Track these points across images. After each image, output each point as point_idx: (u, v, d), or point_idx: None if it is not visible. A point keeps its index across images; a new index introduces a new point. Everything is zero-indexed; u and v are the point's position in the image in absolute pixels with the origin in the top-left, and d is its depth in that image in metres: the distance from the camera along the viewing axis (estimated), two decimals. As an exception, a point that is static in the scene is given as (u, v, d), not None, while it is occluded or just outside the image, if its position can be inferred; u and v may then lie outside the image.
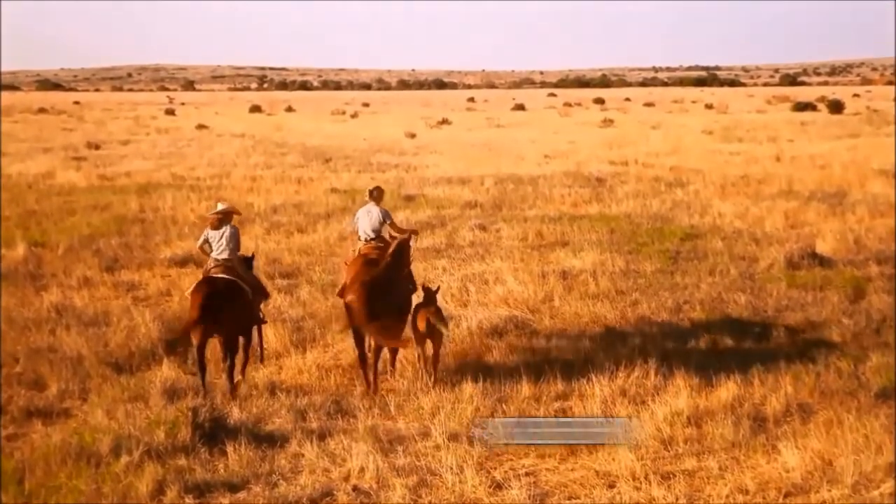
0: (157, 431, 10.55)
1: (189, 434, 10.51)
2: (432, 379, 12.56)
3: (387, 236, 13.77)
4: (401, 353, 13.44)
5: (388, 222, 13.84)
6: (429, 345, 12.82)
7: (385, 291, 12.57)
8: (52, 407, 11.95)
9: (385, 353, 13.16)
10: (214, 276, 12.64)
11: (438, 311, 12.94)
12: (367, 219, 13.79)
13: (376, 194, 14.05)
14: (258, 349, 13.49)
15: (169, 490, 9.43)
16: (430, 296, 13.03)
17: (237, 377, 12.67)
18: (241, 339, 12.76)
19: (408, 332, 12.90)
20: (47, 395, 12.38)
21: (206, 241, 12.98)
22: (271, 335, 14.44)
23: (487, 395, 11.97)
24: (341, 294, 13.22)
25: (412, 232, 14.26)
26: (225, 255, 12.84)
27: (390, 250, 13.09)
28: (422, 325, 12.65)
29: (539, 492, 9.58)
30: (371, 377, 12.57)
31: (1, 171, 37.80)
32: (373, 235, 13.71)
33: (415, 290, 13.61)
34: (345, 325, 13.02)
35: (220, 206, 13.25)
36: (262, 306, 13.58)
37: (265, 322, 13.67)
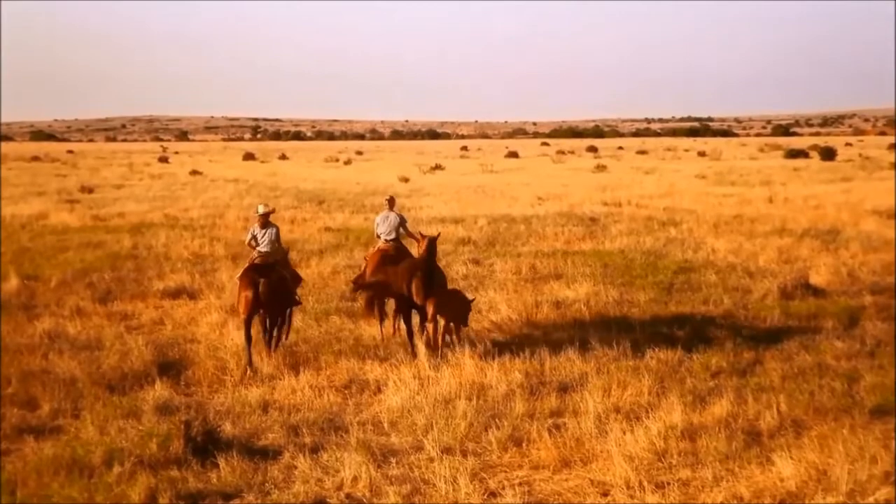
0: (149, 444, 10.49)
1: (181, 447, 10.46)
2: (439, 351, 14.62)
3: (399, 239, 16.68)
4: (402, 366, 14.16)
5: (403, 225, 16.75)
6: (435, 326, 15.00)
7: (429, 277, 15.06)
8: (45, 425, 11.90)
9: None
10: (260, 263, 15.03)
11: (453, 300, 15.29)
12: (385, 223, 16.71)
13: (392, 202, 17.20)
14: (287, 327, 15.57)
15: (161, 498, 9.38)
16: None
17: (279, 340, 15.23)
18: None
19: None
20: (40, 414, 12.32)
21: (254, 236, 15.53)
22: (264, 358, 14.57)
23: (481, 412, 11.94)
24: (357, 282, 15.97)
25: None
26: (268, 249, 15.34)
27: (424, 246, 15.52)
28: (430, 310, 14.88)
29: (533, 500, 9.54)
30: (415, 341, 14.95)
31: (-5, 211, 37.76)
32: (392, 236, 16.63)
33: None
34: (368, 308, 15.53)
35: (262, 209, 15.77)
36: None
37: (300, 304, 16.26)
